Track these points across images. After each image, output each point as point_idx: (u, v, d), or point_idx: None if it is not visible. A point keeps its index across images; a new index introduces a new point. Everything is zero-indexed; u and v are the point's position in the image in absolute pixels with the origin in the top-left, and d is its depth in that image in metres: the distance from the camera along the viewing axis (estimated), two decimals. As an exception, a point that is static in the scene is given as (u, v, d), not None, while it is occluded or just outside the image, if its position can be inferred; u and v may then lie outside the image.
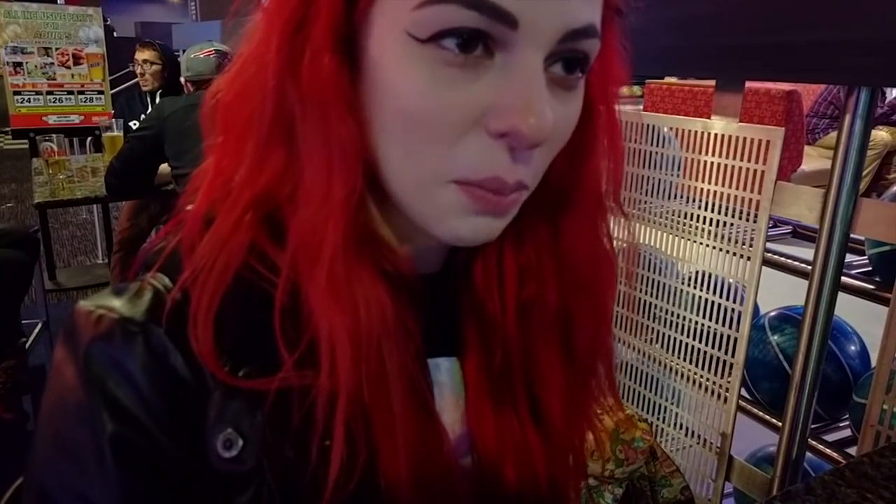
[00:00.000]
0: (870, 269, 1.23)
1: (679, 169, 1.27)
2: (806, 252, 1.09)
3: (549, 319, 0.47)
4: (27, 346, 2.69)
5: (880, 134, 4.84)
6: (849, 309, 1.22)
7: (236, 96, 0.41)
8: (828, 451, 1.20)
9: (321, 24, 0.36)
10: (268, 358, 0.39)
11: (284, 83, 0.38)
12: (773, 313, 1.39)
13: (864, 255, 1.25)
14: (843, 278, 1.13)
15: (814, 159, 4.37)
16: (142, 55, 3.20)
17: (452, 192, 0.38)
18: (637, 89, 7.81)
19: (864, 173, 4.72)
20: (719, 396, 1.22)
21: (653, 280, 1.35)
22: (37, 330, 2.92)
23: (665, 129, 1.29)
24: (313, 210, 0.38)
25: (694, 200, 1.23)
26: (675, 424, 1.34)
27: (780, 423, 1.15)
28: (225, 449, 0.39)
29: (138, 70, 3.25)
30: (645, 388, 1.41)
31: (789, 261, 1.35)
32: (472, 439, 0.47)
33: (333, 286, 0.38)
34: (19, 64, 4.16)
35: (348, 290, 0.38)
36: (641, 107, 4.94)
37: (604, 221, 0.48)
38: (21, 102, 4.22)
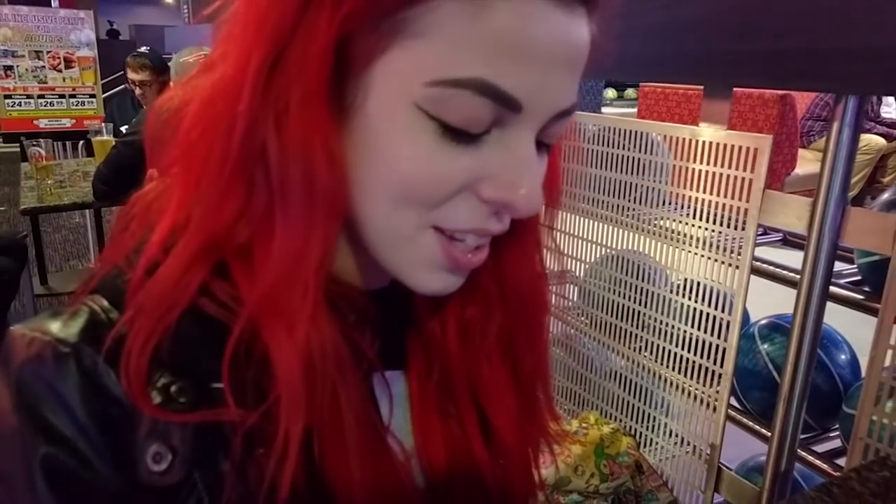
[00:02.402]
0: (859, 278, 1.22)
1: (668, 176, 1.25)
2: (798, 258, 1.08)
3: (492, 340, 0.49)
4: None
5: (875, 138, 4.84)
6: (843, 311, 1.20)
7: (203, 132, 0.39)
8: (818, 462, 1.18)
9: (311, 75, 0.36)
10: (205, 378, 0.39)
11: (257, 127, 0.37)
12: (763, 322, 1.37)
13: (854, 263, 1.23)
14: (833, 288, 1.12)
15: (808, 162, 4.37)
16: (136, 76, 3.06)
17: (430, 238, 0.40)
18: (631, 92, 7.84)
19: (858, 178, 4.74)
20: (708, 405, 1.21)
21: (642, 289, 1.34)
22: (25, 336, 2.89)
23: (655, 136, 1.27)
24: (287, 268, 0.38)
25: (684, 208, 1.22)
26: (664, 434, 1.33)
27: (769, 434, 1.14)
28: (154, 463, 0.39)
29: (138, 91, 3.13)
30: (635, 397, 1.39)
31: (778, 269, 1.33)
32: (418, 449, 0.48)
33: (293, 339, 0.38)
34: (10, 67, 4.14)
35: (305, 339, 0.38)
36: (635, 110, 4.93)
37: (539, 250, 0.51)
38: (12, 106, 4.20)
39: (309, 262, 0.38)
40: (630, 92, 8.00)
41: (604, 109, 6.92)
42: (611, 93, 8.02)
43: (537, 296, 0.52)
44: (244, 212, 0.39)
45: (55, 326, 0.40)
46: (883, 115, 5.01)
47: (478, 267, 0.46)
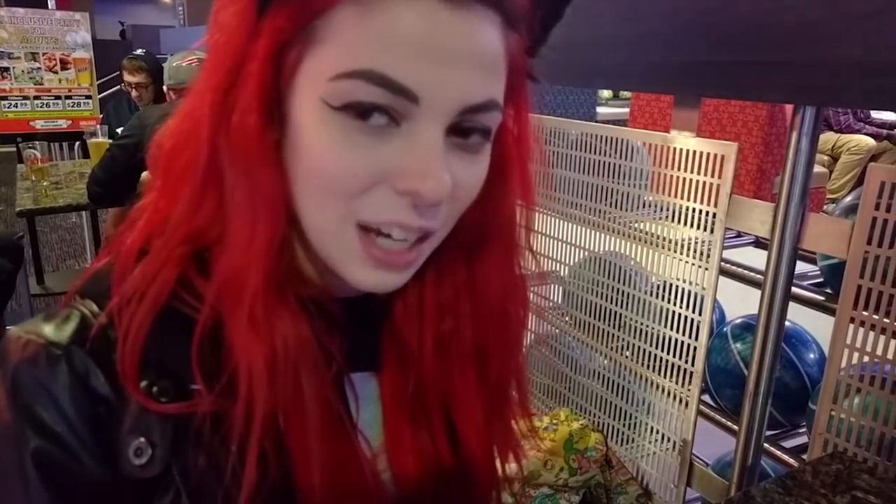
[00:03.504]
0: (822, 280, 1.26)
1: (647, 180, 1.29)
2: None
3: (465, 353, 0.52)
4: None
5: (864, 139, 4.88)
6: (817, 312, 1.24)
7: (176, 145, 0.45)
8: (786, 457, 1.23)
9: (250, 87, 0.41)
10: (185, 379, 0.43)
11: (216, 137, 0.42)
12: (736, 321, 1.42)
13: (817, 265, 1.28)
14: (797, 289, 1.16)
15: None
16: (133, 78, 3.09)
17: (352, 234, 0.43)
18: (626, 91, 7.86)
19: (848, 178, 4.78)
20: (682, 402, 1.25)
21: (621, 290, 1.38)
22: (22, 335, 2.92)
23: (636, 143, 1.31)
24: (237, 255, 0.42)
25: (658, 210, 1.26)
26: (642, 431, 1.37)
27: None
28: (136, 457, 0.42)
29: (134, 93, 3.16)
30: (615, 395, 1.43)
31: (745, 271, 1.38)
32: (387, 448, 0.51)
33: (254, 324, 0.42)
34: (6, 69, 4.17)
35: (267, 327, 0.42)
36: (628, 109, 4.96)
37: (516, 259, 0.53)
38: (8, 107, 4.23)
39: (255, 248, 0.42)
40: (626, 92, 7.98)
41: (599, 109, 6.90)
42: (606, 92, 8.01)
43: (513, 312, 0.54)
44: (216, 214, 0.43)
45: (48, 329, 0.44)
46: (873, 115, 5.05)
47: (456, 283, 0.50)
